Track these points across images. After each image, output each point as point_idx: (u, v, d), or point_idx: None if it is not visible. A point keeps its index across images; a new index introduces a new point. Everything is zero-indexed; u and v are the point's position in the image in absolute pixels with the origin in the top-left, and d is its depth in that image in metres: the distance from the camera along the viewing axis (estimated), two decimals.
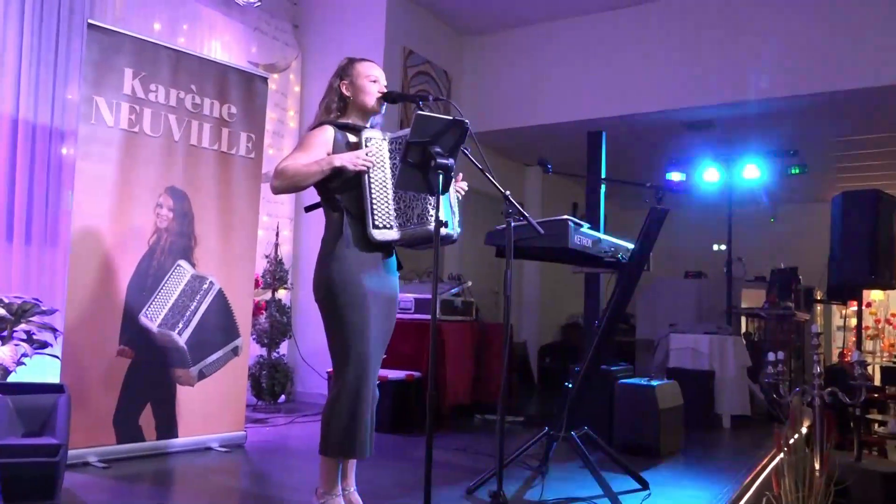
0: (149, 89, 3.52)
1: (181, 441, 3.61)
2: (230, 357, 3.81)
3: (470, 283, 5.33)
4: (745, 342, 5.81)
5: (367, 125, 2.60)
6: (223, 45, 5.23)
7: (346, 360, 2.40)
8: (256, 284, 4.95)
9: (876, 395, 6.25)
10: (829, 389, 3.21)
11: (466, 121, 2.30)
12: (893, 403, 6.47)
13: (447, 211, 2.43)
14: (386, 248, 2.53)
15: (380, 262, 2.51)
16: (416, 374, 4.57)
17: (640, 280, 3.43)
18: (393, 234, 2.44)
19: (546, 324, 8.68)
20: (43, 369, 3.46)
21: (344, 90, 2.57)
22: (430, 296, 4.74)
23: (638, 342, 7.38)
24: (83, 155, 3.33)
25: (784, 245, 9.16)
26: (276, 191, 2.46)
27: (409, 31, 6.10)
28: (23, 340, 3.29)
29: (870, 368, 7.16)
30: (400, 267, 2.64)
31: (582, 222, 3.01)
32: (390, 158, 2.47)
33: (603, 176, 4.70)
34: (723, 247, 7.31)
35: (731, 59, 5.75)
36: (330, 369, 2.82)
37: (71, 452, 2.99)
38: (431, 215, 2.43)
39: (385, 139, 2.49)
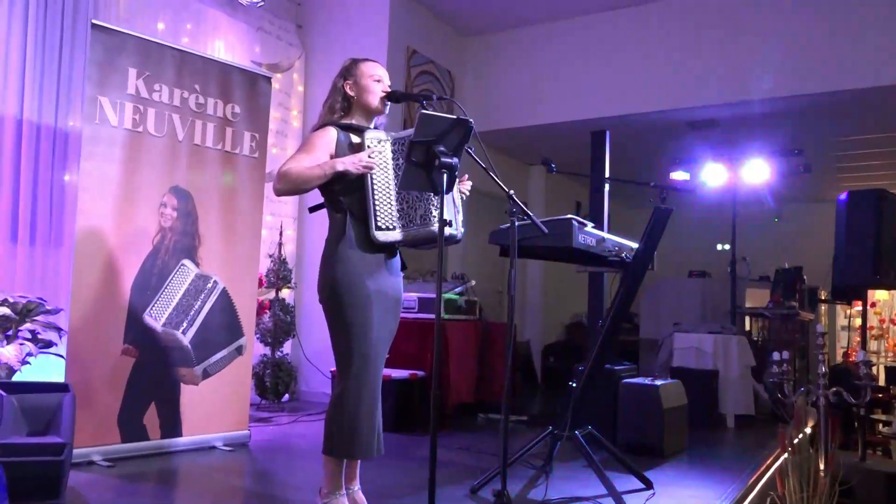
0: (153, 89, 3.53)
1: (185, 440, 3.62)
2: (234, 356, 3.82)
3: (473, 283, 5.33)
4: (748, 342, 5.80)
5: (371, 125, 2.60)
6: (227, 44, 5.23)
7: (350, 360, 2.40)
8: (260, 284, 4.95)
9: (880, 396, 6.24)
10: (835, 389, 3.21)
11: (470, 120, 2.30)
12: None
13: (451, 210, 2.43)
14: (389, 248, 2.53)
15: (383, 262, 2.51)
16: (420, 373, 4.57)
17: (644, 279, 3.42)
18: (396, 235, 2.44)
19: (549, 323, 8.67)
20: (47, 369, 3.47)
21: (348, 90, 2.57)
22: (433, 295, 4.73)
23: (642, 342, 7.38)
24: (87, 155, 3.34)
25: (788, 245, 9.14)
26: (279, 193, 2.46)
27: (413, 31, 6.10)
28: (28, 340, 3.30)
29: (874, 368, 7.15)
30: (404, 267, 2.64)
31: (586, 221, 3.00)
32: (393, 159, 2.47)
33: (607, 175, 4.69)
34: (727, 246, 7.29)
35: (734, 58, 5.74)
36: (333, 368, 2.83)
37: (76, 451, 3.00)
38: (434, 216, 2.43)
39: (388, 140, 2.49)
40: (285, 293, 5.37)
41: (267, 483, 3.33)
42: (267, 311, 5.20)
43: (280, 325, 5.20)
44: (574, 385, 3.33)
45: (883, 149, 7.46)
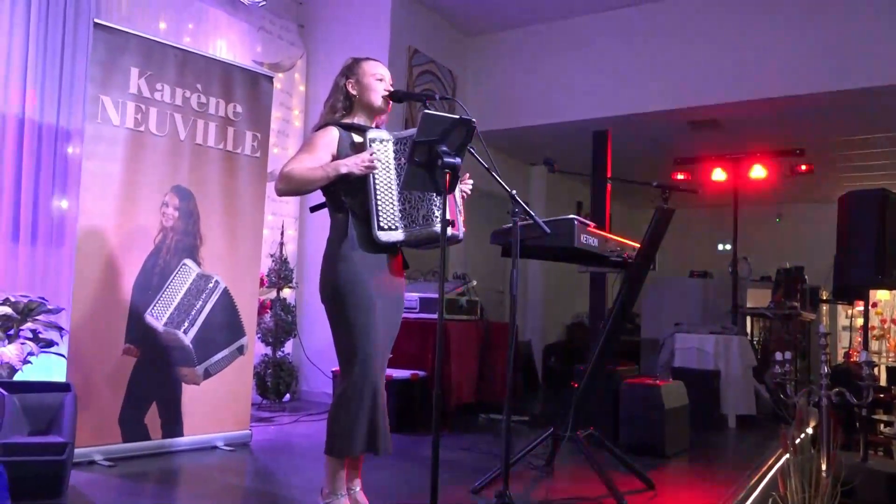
0: (155, 88, 3.53)
1: (186, 440, 3.61)
2: (235, 356, 3.82)
3: (475, 283, 5.33)
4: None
5: (373, 125, 2.60)
6: (228, 44, 5.23)
7: (353, 360, 2.39)
8: (261, 283, 4.95)
9: (882, 396, 6.23)
10: (837, 390, 3.20)
11: (473, 119, 2.30)
12: None
13: (452, 210, 2.42)
14: (391, 248, 2.52)
15: (385, 262, 2.51)
16: (421, 373, 4.57)
17: (645, 279, 3.42)
18: (398, 236, 2.44)
19: (551, 323, 8.67)
20: (49, 368, 3.47)
21: (350, 89, 2.57)
22: (434, 295, 4.74)
23: (643, 342, 7.37)
24: (89, 154, 3.34)
25: (790, 245, 9.14)
26: (281, 194, 2.46)
27: (414, 31, 6.10)
28: (29, 339, 3.30)
29: (875, 369, 7.14)
30: (406, 266, 2.64)
31: (588, 221, 3.00)
32: (395, 159, 2.46)
33: (608, 175, 4.69)
34: (728, 246, 7.29)
35: (736, 58, 5.73)
36: (335, 368, 2.83)
37: (77, 451, 3.00)
38: (436, 216, 2.42)
39: (390, 139, 2.49)
40: (286, 293, 5.37)
41: (268, 483, 3.33)
42: (268, 310, 5.20)
43: (281, 324, 5.20)
44: (575, 385, 3.33)
45: (885, 149, 7.45)
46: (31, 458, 2.60)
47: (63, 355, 3.35)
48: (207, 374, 3.70)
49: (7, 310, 3.24)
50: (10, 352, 3.17)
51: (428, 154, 2.26)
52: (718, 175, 6.72)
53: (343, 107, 2.57)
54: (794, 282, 6.88)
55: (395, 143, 2.47)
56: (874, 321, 8.57)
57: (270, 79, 4.10)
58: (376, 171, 2.42)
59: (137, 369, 3.44)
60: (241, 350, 3.84)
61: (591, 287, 4.73)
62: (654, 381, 4.19)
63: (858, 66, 5.30)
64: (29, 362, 3.26)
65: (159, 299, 3.52)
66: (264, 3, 5.23)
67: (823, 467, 2.91)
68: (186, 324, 3.62)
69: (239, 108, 3.87)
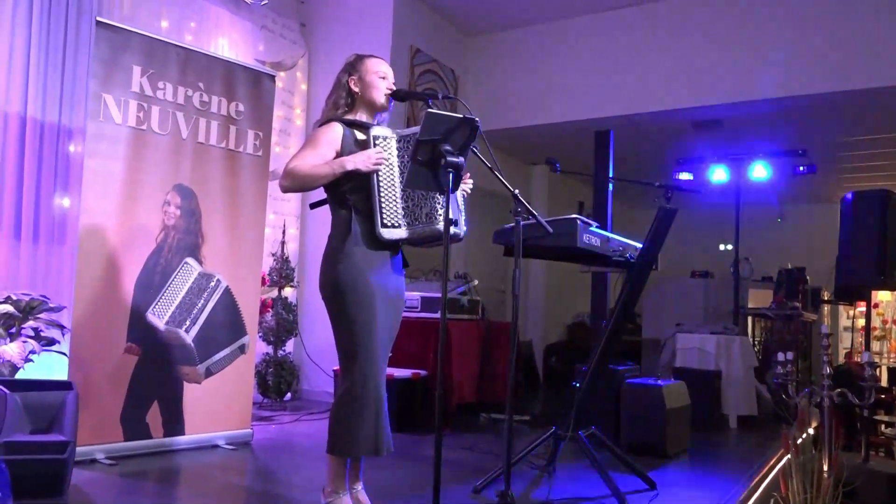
0: (157, 87, 3.52)
1: (188, 438, 3.61)
2: (237, 355, 3.82)
3: (476, 282, 5.33)
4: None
5: (374, 122, 2.60)
6: (230, 42, 5.23)
7: (354, 358, 2.39)
8: (263, 282, 4.95)
9: (883, 396, 6.22)
10: (838, 390, 3.19)
11: (477, 119, 2.29)
12: None
13: (455, 209, 2.42)
14: (393, 246, 2.52)
15: (387, 260, 2.51)
16: (422, 372, 4.57)
17: (647, 279, 3.41)
18: (401, 233, 2.44)
19: (552, 323, 8.67)
20: (50, 366, 3.47)
21: (352, 86, 2.57)
22: (436, 294, 4.73)
23: (644, 342, 7.37)
24: (91, 152, 3.34)
25: (791, 245, 9.13)
26: (285, 190, 2.46)
27: (416, 30, 6.09)
28: (30, 337, 3.30)
29: (877, 370, 7.13)
30: (406, 265, 2.63)
31: (590, 221, 3.00)
32: (398, 157, 2.46)
33: (610, 175, 4.68)
34: (730, 246, 7.29)
35: (738, 58, 5.73)
36: (336, 367, 2.82)
37: (78, 449, 3.00)
38: (439, 214, 2.42)
39: (393, 137, 2.48)
40: (288, 292, 5.37)
41: (269, 482, 3.33)
42: (269, 309, 5.20)
43: (283, 323, 5.21)
44: (577, 385, 3.33)
45: (888, 149, 7.44)
46: (33, 456, 2.60)
47: (64, 353, 3.35)
48: (209, 373, 3.70)
49: (9, 308, 3.24)
50: (12, 350, 3.16)
51: (431, 153, 2.26)
52: (720, 175, 6.71)
53: (345, 103, 2.57)
54: (796, 282, 6.87)
55: (399, 141, 2.47)
56: (875, 322, 8.56)
57: (272, 77, 4.10)
58: (380, 169, 2.41)
59: (139, 368, 3.44)
60: (242, 349, 3.84)
61: (593, 287, 4.72)
62: (655, 382, 4.19)
63: (861, 67, 5.29)
64: (30, 360, 3.26)
65: (161, 298, 3.52)
66: (266, 1, 5.23)
67: (825, 468, 2.90)
68: (188, 322, 3.62)
69: (241, 107, 3.86)
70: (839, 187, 8.67)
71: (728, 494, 3.23)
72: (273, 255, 5.26)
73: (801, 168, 6.69)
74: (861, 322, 6.76)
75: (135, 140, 3.45)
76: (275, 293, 5.24)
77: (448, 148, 2.24)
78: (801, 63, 5.50)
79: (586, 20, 6.42)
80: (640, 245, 3.28)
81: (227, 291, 3.78)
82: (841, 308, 9.21)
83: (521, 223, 2.47)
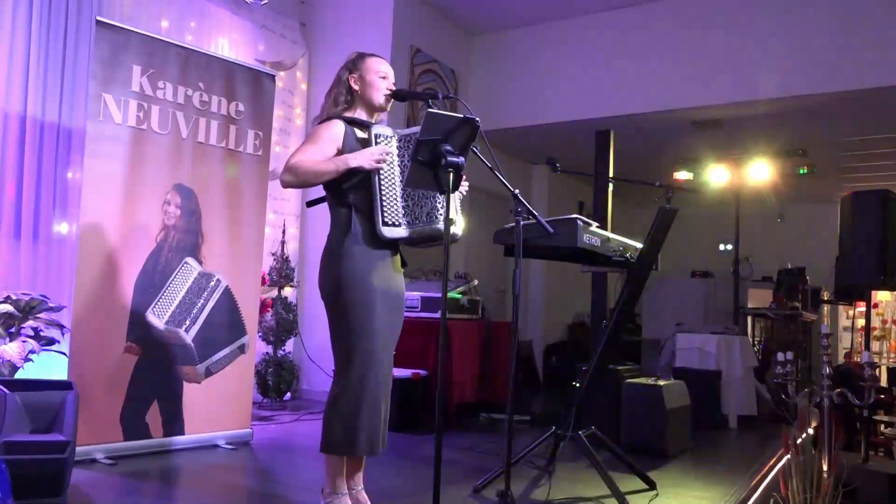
0: (157, 86, 3.52)
1: (187, 438, 3.61)
2: (237, 354, 3.82)
3: (476, 282, 5.33)
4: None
5: (373, 121, 2.60)
6: (231, 42, 5.23)
7: (352, 357, 2.38)
8: (263, 282, 4.95)
9: (882, 396, 6.22)
10: (838, 390, 3.19)
11: (477, 118, 2.29)
12: None
13: (455, 209, 2.42)
14: (392, 245, 2.52)
15: (387, 259, 2.50)
16: (422, 372, 4.56)
17: (647, 279, 3.41)
18: (402, 232, 2.44)
19: (552, 323, 8.67)
20: (50, 366, 3.47)
21: (353, 84, 2.56)
22: (436, 294, 4.73)
23: (644, 342, 7.38)
24: (91, 152, 3.34)
25: (791, 245, 9.14)
26: (286, 185, 2.44)
27: (417, 30, 6.09)
28: (30, 337, 3.30)
29: (877, 370, 7.13)
30: (404, 265, 2.63)
31: (591, 221, 3.00)
32: (398, 156, 2.46)
33: (611, 175, 4.68)
34: (730, 247, 7.29)
35: (738, 58, 5.73)
36: None
37: (78, 449, 3.00)
38: (439, 214, 2.42)
39: (394, 136, 2.48)
40: (288, 291, 5.36)
41: (269, 482, 3.33)
42: (269, 309, 5.19)
43: (282, 323, 5.20)
44: (577, 385, 3.32)
45: (887, 149, 7.43)
46: (33, 456, 2.60)
47: (64, 353, 3.35)
48: (209, 373, 3.70)
49: (8, 307, 3.24)
50: (12, 350, 3.16)
51: (431, 153, 2.26)
52: (720, 175, 6.72)
53: (344, 100, 2.56)
54: (796, 282, 6.88)
55: (399, 140, 2.47)
56: (875, 322, 8.56)
57: (272, 77, 4.10)
58: (382, 167, 2.41)
59: (139, 368, 3.44)
60: (242, 349, 3.84)
61: (593, 287, 4.71)
62: (655, 382, 4.19)
63: (861, 67, 5.29)
64: (30, 360, 3.26)
65: (161, 298, 3.52)
66: (266, 1, 5.23)
67: (825, 468, 2.90)
68: (188, 322, 3.61)
69: (241, 107, 3.86)
70: (839, 187, 8.67)
71: (728, 494, 3.24)
72: (273, 254, 5.25)
73: (801, 168, 6.71)
74: (861, 322, 6.76)
75: (135, 140, 3.45)
76: (275, 293, 5.24)
77: (448, 148, 2.24)
78: (801, 63, 5.50)
79: (586, 20, 6.42)
80: (640, 245, 3.28)
81: (227, 291, 3.78)
82: (841, 308, 9.21)
83: (522, 223, 2.47)
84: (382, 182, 2.42)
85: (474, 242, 6.44)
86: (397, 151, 2.46)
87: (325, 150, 2.43)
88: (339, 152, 2.45)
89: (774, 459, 3.93)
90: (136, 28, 3.57)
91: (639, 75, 6.13)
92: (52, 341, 3.39)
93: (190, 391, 3.63)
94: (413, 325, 4.46)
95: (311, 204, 2.68)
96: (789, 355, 3.35)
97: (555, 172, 3.39)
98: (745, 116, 6.25)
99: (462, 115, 2.27)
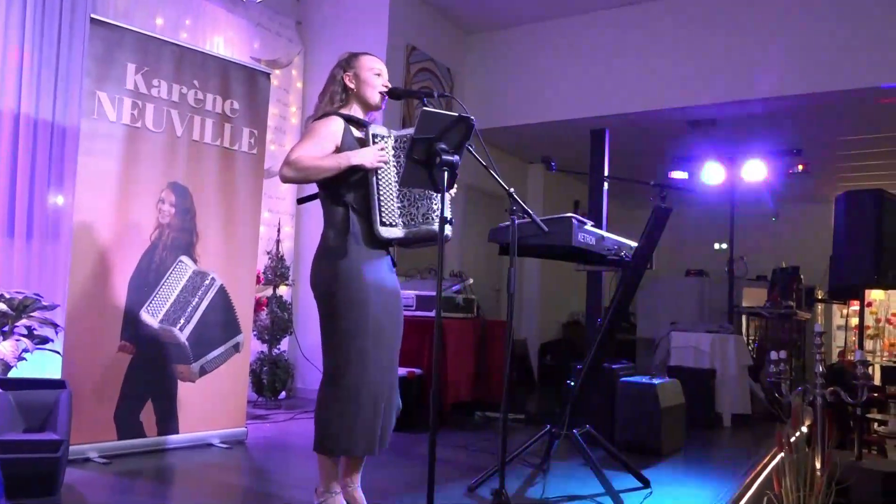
0: (151, 84, 3.51)
1: (182, 437, 3.61)
2: (231, 353, 3.81)
3: (471, 281, 5.33)
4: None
5: (366, 119, 2.59)
6: (226, 40, 5.21)
7: (347, 356, 2.36)
8: (258, 280, 4.94)
9: (876, 395, 6.25)
10: (832, 389, 3.21)
11: (472, 117, 2.29)
12: (894, 403, 6.47)
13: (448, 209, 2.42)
14: (386, 245, 2.51)
15: (382, 258, 2.50)
16: (417, 371, 4.56)
17: (642, 278, 3.42)
18: (398, 232, 2.43)
19: (546, 321, 8.68)
20: (43, 365, 3.45)
21: (348, 81, 2.55)
22: (431, 293, 4.73)
23: (639, 340, 7.40)
24: (85, 150, 3.33)
25: (786, 244, 9.17)
26: (286, 180, 2.41)
27: (412, 28, 6.09)
28: (24, 336, 3.28)
29: (870, 368, 7.16)
30: (394, 265, 2.61)
31: (586, 220, 3.00)
32: (394, 157, 2.46)
33: (606, 174, 4.68)
34: (724, 245, 7.32)
35: (734, 57, 5.74)
36: None
37: (72, 448, 2.99)
38: (435, 214, 2.42)
39: (390, 136, 2.48)
40: (283, 290, 5.36)
41: (263, 481, 3.33)
42: (264, 308, 5.19)
43: (277, 322, 5.20)
44: (572, 383, 3.33)
45: (881, 149, 7.47)
46: (26, 455, 2.59)
47: (58, 352, 3.33)
48: (203, 372, 3.69)
49: (2, 306, 3.22)
50: (5, 348, 3.15)
51: (427, 151, 2.26)
52: (716, 174, 6.72)
53: (340, 98, 2.55)
54: (790, 281, 6.90)
55: (395, 141, 2.47)
56: (869, 321, 8.60)
57: (268, 75, 4.09)
58: (381, 167, 2.40)
59: (133, 366, 3.43)
60: (236, 347, 3.83)
61: (588, 285, 4.71)
62: (650, 380, 4.20)
63: (857, 67, 5.30)
64: (23, 359, 3.24)
65: (155, 296, 3.51)
66: None
67: (818, 466, 2.91)
68: (182, 321, 3.61)
69: (236, 105, 3.85)
70: (834, 187, 8.70)
71: (722, 492, 3.24)
72: (268, 253, 5.24)
73: (796, 167, 6.72)
74: (854, 321, 6.78)
75: (129, 138, 3.44)
76: (269, 291, 5.23)
77: (443, 146, 2.24)
78: (797, 63, 5.52)
79: (583, 19, 6.42)
80: (635, 244, 3.29)
81: (222, 290, 3.77)
82: (834, 307, 9.25)
83: (517, 222, 2.47)
84: (380, 182, 2.41)
85: (469, 241, 6.44)
86: (393, 152, 2.46)
87: (325, 146, 2.42)
88: (338, 149, 2.44)
89: (768, 457, 3.95)
90: (131, 26, 3.55)
91: (634, 74, 6.14)
92: (45, 340, 3.37)
93: (184, 390, 3.62)
94: (408, 324, 4.42)
95: (301, 201, 2.66)
96: (783, 354, 3.36)
97: (550, 171, 3.39)
98: (741, 115, 6.26)
99: (457, 114, 2.27)
